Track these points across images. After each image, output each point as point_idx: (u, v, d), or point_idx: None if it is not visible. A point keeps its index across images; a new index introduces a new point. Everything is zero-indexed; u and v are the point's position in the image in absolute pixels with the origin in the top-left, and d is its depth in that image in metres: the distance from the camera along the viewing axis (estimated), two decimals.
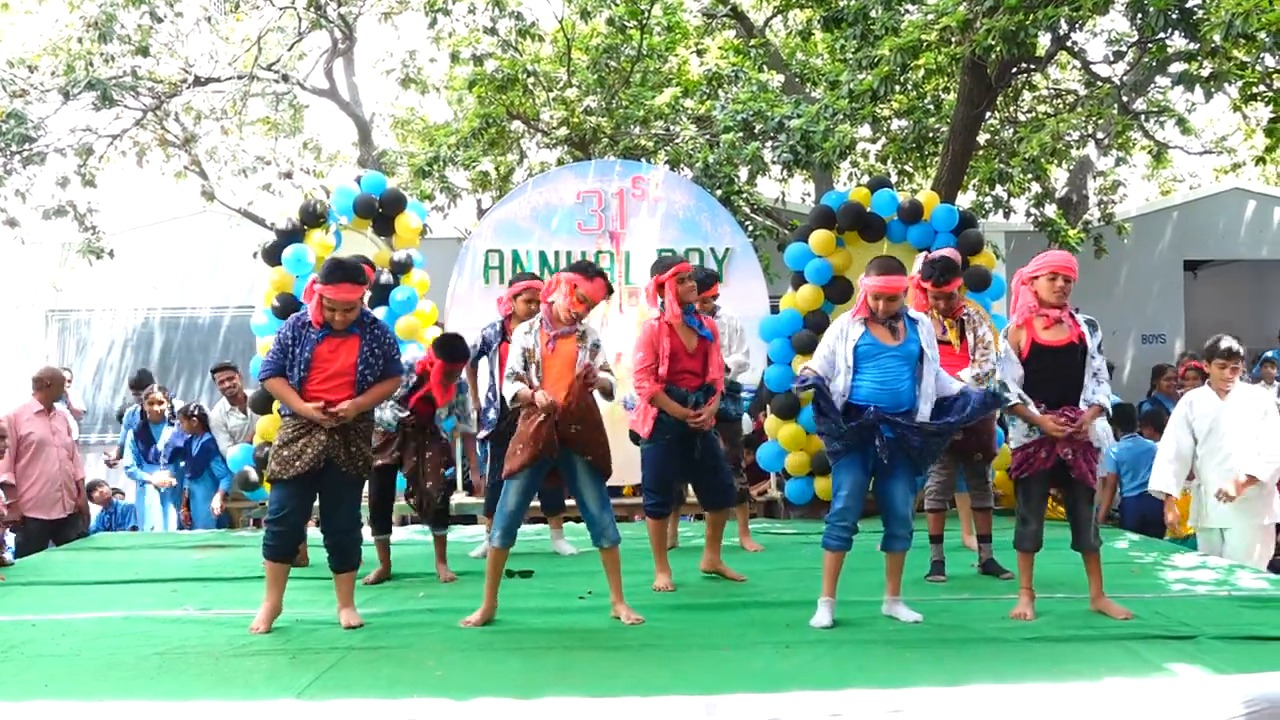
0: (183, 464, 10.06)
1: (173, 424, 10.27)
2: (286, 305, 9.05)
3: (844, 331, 5.57)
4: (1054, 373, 5.53)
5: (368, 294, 7.22)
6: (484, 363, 7.58)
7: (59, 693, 4.49)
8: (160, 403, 10.48)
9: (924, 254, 7.41)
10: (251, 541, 8.79)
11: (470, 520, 10.25)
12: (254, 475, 9.30)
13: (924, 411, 5.49)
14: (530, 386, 5.68)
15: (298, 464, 5.53)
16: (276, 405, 8.94)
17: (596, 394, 5.78)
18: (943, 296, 6.67)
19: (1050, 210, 13.84)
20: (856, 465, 5.51)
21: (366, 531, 6.33)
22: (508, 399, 5.84)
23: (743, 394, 8.00)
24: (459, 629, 5.63)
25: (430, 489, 6.80)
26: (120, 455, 10.81)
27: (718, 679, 4.52)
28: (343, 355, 5.62)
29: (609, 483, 5.92)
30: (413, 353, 7.18)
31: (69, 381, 13.24)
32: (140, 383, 11.47)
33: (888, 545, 5.64)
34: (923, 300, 6.73)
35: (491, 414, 7.23)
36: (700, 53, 13.95)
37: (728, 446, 7.09)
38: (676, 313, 6.32)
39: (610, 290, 5.86)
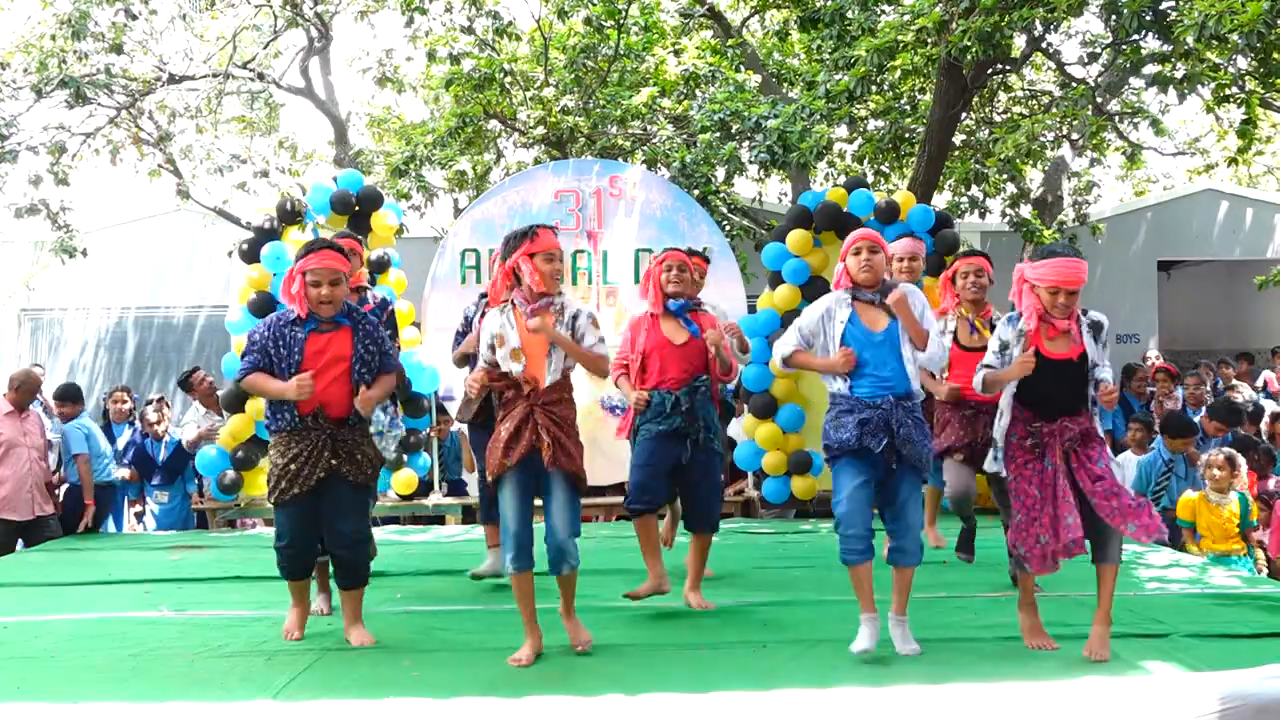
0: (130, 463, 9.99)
1: (133, 425, 10.22)
2: (263, 303, 9.01)
3: (829, 311, 5.12)
4: (1053, 386, 4.96)
5: (366, 276, 6.78)
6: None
7: (32, 694, 4.46)
8: (124, 402, 10.44)
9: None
10: (227, 542, 8.76)
11: (439, 520, 10.19)
12: (230, 475, 9.26)
13: (919, 394, 5.12)
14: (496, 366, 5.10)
15: (299, 485, 5.13)
16: (257, 407, 8.93)
17: (585, 379, 5.29)
18: (972, 271, 6.15)
19: (1025, 211, 13.92)
20: (856, 466, 4.98)
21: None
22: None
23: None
24: (436, 630, 5.62)
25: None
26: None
27: (696, 679, 4.51)
28: (334, 348, 5.20)
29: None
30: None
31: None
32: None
33: (893, 559, 5.08)
34: (953, 299, 6.26)
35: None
36: (677, 52, 13.95)
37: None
38: (657, 300, 5.99)
39: (555, 233, 5.19)
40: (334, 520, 5.26)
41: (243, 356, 5.28)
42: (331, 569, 5.55)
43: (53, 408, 10.69)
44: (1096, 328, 5.01)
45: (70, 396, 9.46)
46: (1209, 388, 11.08)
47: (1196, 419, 9.24)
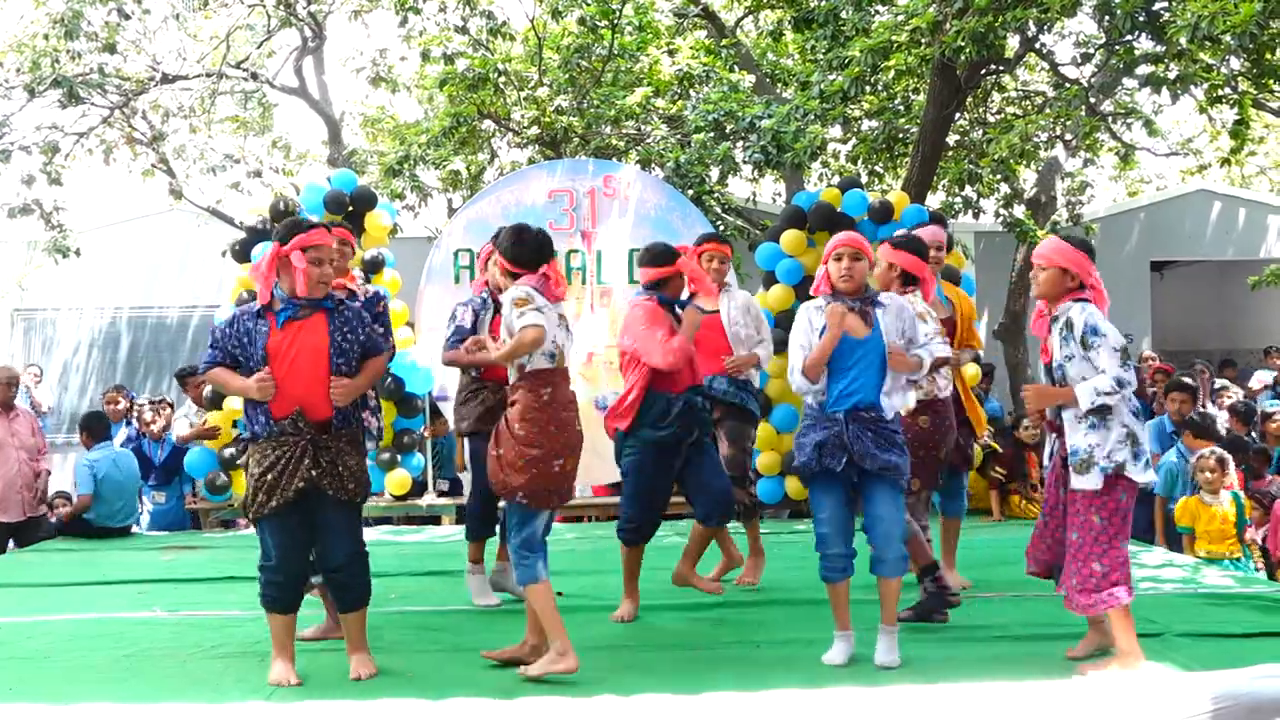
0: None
1: (129, 424, 10.19)
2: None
3: (811, 323, 4.98)
4: None
5: (361, 278, 6.74)
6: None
7: (26, 695, 4.46)
8: (117, 402, 10.41)
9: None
10: (220, 543, 8.75)
11: (434, 521, 10.17)
12: (221, 477, 9.24)
13: (890, 408, 4.92)
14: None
15: (276, 497, 4.62)
16: (228, 404, 8.91)
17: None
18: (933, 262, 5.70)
19: (1019, 211, 13.94)
20: (829, 486, 4.90)
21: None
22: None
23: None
24: (430, 630, 5.61)
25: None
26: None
27: (691, 679, 4.52)
28: (306, 338, 4.68)
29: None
30: None
31: (38, 380, 13.12)
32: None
33: (875, 570, 4.97)
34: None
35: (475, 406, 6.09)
36: (671, 52, 13.94)
37: (733, 450, 6.35)
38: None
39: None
40: (323, 541, 4.80)
41: (205, 352, 4.92)
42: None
43: (41, 406, 10.64)
44: (1068, 327, 4.68)
45: (87, 428, 9.10)
46: None
47: None
